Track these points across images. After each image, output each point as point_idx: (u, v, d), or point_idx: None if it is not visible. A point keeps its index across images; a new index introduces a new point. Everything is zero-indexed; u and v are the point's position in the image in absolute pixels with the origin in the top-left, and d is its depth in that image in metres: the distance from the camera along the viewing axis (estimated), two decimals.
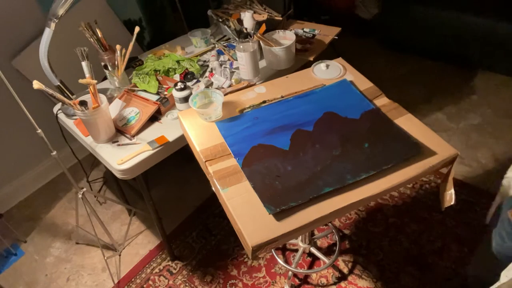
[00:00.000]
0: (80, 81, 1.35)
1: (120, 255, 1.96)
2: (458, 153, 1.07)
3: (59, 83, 1.51)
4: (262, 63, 1.76)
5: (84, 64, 1.42)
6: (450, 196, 1.14)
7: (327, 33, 1.92)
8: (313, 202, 0.99)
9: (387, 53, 3.11)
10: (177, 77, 1.69)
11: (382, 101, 1.27)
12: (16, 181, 2.28)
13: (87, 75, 1.41)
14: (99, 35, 1.60)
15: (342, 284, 1.73)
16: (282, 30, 1.72)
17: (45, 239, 2.10)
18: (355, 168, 1.05)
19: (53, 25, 1.37)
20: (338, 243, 1.83)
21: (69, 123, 1.58)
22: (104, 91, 1.67)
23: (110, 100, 1.58)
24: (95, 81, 1.37)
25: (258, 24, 1.74)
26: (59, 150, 1.52)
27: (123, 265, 1.92)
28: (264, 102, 1.31)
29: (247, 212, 0.98)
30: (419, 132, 1.14)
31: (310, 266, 1.81)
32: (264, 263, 1.85)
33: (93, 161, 2.42)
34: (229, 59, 1.79)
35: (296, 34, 1.79)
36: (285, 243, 1.90)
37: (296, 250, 1.86)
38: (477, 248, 1.31)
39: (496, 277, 0.96)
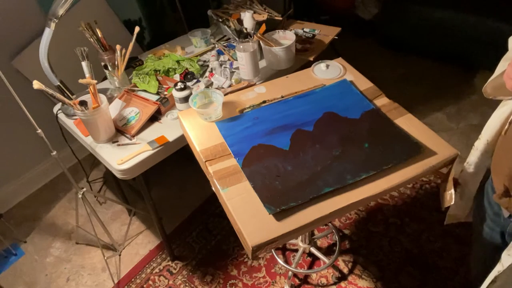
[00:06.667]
0: (80, 81, 1.35)
1: (120, 255, 1.96)
2: (458, 153, 1.07)
3: (59, 83, 1.51)
4: (262, 63, 1.76)
5: (84, 64, 1.42)
6: (450, 196, 1.14)
7: (327, 33, 1.92)
8: (313, 202, 0.99)
9: (387, 53, 3.12)
10: (177, 77, 1.69)
11: (382, 101, 1.27)
12: (16, 181, 2.28)
13: (87, 75, 1.41)
14: (99, 35, 1.60)
15: (342, 284, 1.73)
16: (282, 30, 1.72)
17: (45, 239, 2.10)
18: (355, 168, 1.04)
19: (53, 25, 1.37)
20: (338, 243, 1.83)
21: (69, 123, 1.58)
22: (104, 91, 1.67)
23: (110, 100, 1.58)
24: (95, 81, 1.37)
25: (258, 24, 1.74)
26: (59, 150, 1.52)
27: (123, 265, 1.92)
28: (264, 102, 1.31)
29: (247, 212, 0.98)
30: (419, 132, 1.14)
31: (310, 266, 1.81)
32: (264, 263, 1.85)
33: (93, 161, 2.42)
34: (229, 59, 1.79)
35: (296, 34, 1.79)
36: (285, 243, 1.89)
37: (296, 250, 1.86)
38: (472, 247, 1.32)
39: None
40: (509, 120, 0.91)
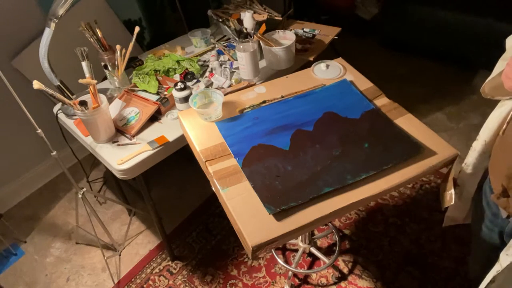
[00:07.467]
0: (80, 81, 1.35)
1: (120, 255, 1.96)
2: (458, 153, 1.07)
3: (59, 83, 1.51)
4: (262, 63, 1.76)
5: (84, 64, 1.42)
6: (450, 196, 1.14)
7: (327, 33, 1.92)
8: (313, 202, 0.99)
9: (387, 53, 3.12)
10: (177, 77, 1.69)
11: (382, 101, 1.27)
12: (16, 181, 2.28)
13: (87, 75, 1.41)
14: (99, 35, 1.60)
15: (342, 284, 1.73)
16: (282, 30, 1.72)
17: (45, 239, 2.10)
18: (355, 168, 1.05)
19: (53, 25, 1.37)
20: (338, 243, 1.83)
21: (69, 123, 1.58)
22: (104, 91, 1.67)
23: (110, 100, 1.58)
24: (95, 81, 1.37)
25: (258, 24, 1.74)
26: (59, 150, 1.52)
27: (123, 265, 1.92)
28: (264, 102, 1.31)
29: (247, 212, 0.98)
30: (419, 132, 1.14)
31: (310, 266, 1.81)
32: (264, 263, 1.85)
33: (93, 161, 2.42)
34: (229, 59, 1.79)
35: (296, 34, 1.79)
36: (285, 243, 1.89)
37: (296, 250, 1.86)
38: (470, 248, 1.33)
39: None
40: (507, 120, 0.91)
